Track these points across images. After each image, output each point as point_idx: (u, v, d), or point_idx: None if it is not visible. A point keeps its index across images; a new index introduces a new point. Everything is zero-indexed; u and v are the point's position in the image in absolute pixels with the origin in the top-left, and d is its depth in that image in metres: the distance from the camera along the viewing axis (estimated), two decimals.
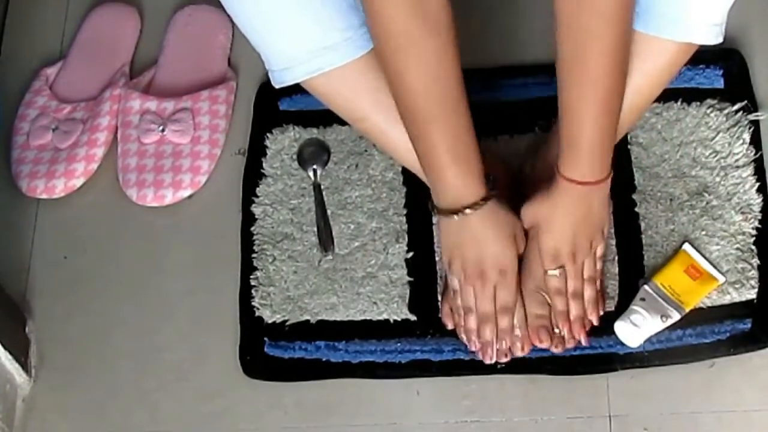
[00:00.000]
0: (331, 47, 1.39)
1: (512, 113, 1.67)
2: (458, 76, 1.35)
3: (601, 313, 1.52)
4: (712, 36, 1.39)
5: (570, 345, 1.51)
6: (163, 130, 1.71)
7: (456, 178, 1.42)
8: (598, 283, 1.52)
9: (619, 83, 1.35)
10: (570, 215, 1.44)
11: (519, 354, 1.51)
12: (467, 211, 1.43)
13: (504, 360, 1.51)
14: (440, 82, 1.34)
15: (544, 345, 1.51)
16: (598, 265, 1.51)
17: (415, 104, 1.36)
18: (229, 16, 1.37)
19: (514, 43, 1.72)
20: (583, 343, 1.50)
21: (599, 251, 1.50)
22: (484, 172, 1.44)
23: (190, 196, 1.69)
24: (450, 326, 1.55)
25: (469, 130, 1.41)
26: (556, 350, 1.51)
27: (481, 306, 1.50)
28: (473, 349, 1.52)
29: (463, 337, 1.53)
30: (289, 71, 1.42)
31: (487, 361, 1.51)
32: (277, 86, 1.45)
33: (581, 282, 1.50)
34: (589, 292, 1.50)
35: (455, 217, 1.44)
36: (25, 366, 1.57)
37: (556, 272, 1.48)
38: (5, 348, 1.51)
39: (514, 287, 1.50)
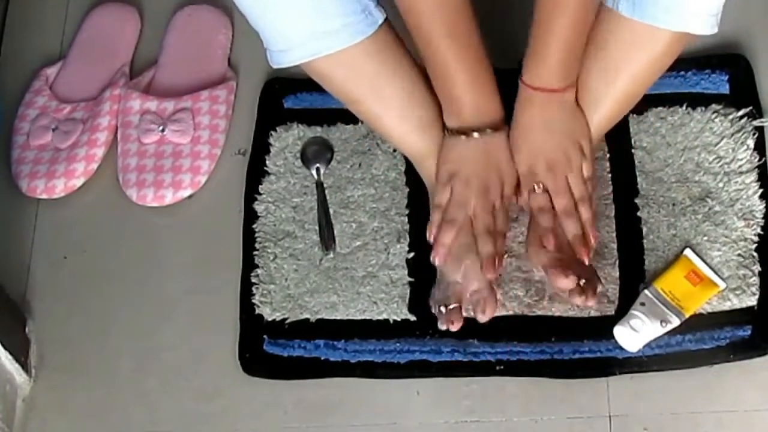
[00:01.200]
0: (331, 32, 1.40)
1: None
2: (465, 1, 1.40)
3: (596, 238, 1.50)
4: (708, 26, 1.40)
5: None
6: (163, 130, 1.71)
7: (473, 93, 1.45)
8: (592, 204, 1.50)
9: (591, 4, 1.38)
10: (535, 126, 1.46)
11: (480, 316, 1.49)
12: (488, 130, 1.46)
13: (455, 323, 1.49)
14: (449, 7, 1.38)
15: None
16: (589, 187, 1.50)
17: (425, 24, 1.39)
18: (229, 15, 1.38)
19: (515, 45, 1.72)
20: (585, 262, 1.48)
21: (585, 171, 1.49)
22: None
23: (190, 196, 1.69)
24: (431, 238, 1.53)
25: (480, 48, 1.44)
26: (588, 303, 1.48)
27: (476, 223, 1.49)
28: (436, 261, 1.50)
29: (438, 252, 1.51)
30: (288, 53, 1.43)
31: (434, 310, 1.50)
32: (274, 66, 1.45)
33: (570, 199, 1.48)
34: (585, 214, 1.49)
35: (475, 134, 1.47)
36: (25, 366, 1.56)
37: (538, 188, 1.48)
38: (5, 348, 1.51)
39: (507, 214, 1.52)
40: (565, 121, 1.47)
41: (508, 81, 1.70)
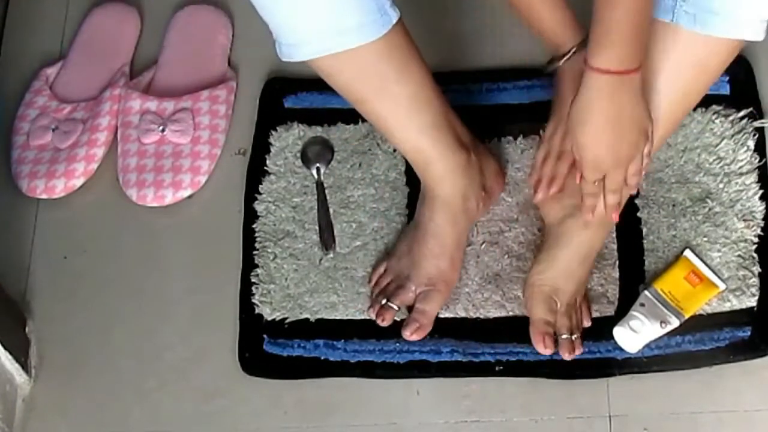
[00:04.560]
0: (345, 30, 1.37)
1: (520, 115, 1.68)
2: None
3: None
4: (761, 32, 1.37)
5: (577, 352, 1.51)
6: (163, 130, 1.71)
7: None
8: (640, 175, 1.44)
9: None
10: (604, 110, 1.36)
11: (407, 334, 1.53)
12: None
13: (386, 321, 1.54)
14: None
15: (547, 352, 1.51)
16: (645, 161, 1.43)
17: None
18: (229, 15, 1.37)
19: (516, 45, 1.72)
20: (615, 219, 1.47)
21: (645, 149, 1.42)
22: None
23: (190, 196, 1.69)
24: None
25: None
26: (568, 356, 1.51)
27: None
28: (539, 197, 1.53)
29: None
30: (298, 48, 1.40)
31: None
32: (283, 59, 1.42)
33: (621, 189, 1.43)
34: (634, 181, 1.44)
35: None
36: (25, 366, 1.56)
37: (598, 183, 1.43)
38: (5, 348, 1.51)
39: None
40: (634, 107, 1.38)
41: (514, 80, 1.71)
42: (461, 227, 1.55)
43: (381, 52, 1.40)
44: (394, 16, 1.40)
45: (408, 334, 1.53)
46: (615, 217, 1.46)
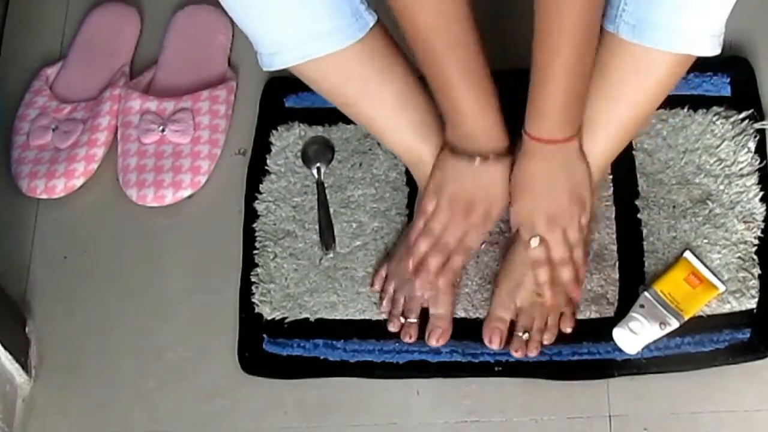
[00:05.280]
0: (319, 35, 1.38)
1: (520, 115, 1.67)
2: (467, 12, 1.36)
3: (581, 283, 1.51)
4: (709, 47, 1.37)
5: (535, 351, 1.51)
6: (163, 130, 1.71)
7: (476, 118, 1.41)
8: (582, 249, 1.49)
9: (591, 42, 1.33)
10: (538, 179, 1.42)
11: (432, 341, 1.53)
12: (491, 156, 1.44)
13: (413, 336, 1.53)
14: (450, 19, 1.34)
15: (494, 346, 1.51)
16: (584, 231, 1.48)
17: (428, 41, 1.36)
18: (229, 16, 1.37)
19: (517, 48, 1.72)
20: (577, 298, 1.50)
21: (584, 220, 1.47)
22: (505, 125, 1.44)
23: (190, 196, 1.69)
24: (377, 287, 1.57)
25: (484, 65, 1.39)
26: (517, 354, 1.51)
27: (447, 234, 1.48)
28: (410, 269, 1.51)
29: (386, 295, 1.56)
30: (278, 56, 1.41)
31: (391, 319, 1.54)
32: (264, 69, 1.44)
33: (566, 250, 1.47)
34: (577, 255, 1.47)
35: (477, 160, 1.44)
36: (25, 366, 1.56)
37: (536, 241, 1.46)
38: (5, 348, 1.51)
39: (482, 237, 1.51)
40: (569, 172, 1.43)
41: (507, 82, 1.71)
42: None
43: (360, 56, 1.41)
44: (370, 19, 1.41)
45: (434, 342, 1.53)
46: (577, 292, 1.50)
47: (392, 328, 1.55)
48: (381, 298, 1.57)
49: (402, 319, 1.55)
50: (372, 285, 1.58)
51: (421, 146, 1.50)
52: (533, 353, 1.51)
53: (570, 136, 1.40)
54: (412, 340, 1.54)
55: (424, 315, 1.55)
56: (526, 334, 1.51)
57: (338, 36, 1.39)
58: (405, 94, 1.47)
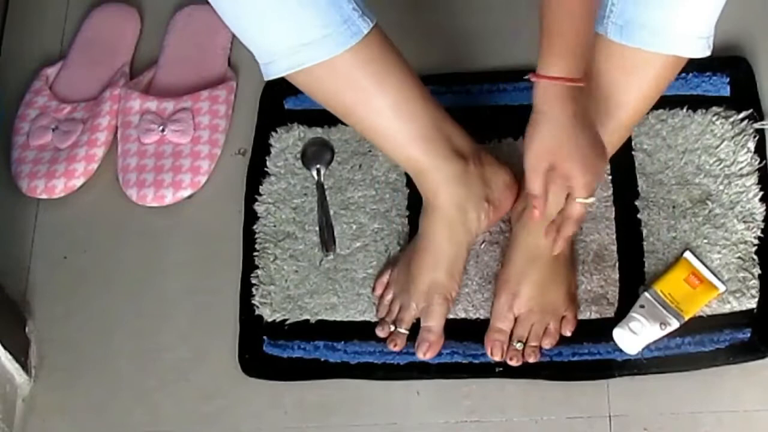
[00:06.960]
0: (311, 43, 1.37)
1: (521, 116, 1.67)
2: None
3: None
4: (698, 49, 1.36)
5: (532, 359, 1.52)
6: (163, 130, 1.71)
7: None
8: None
9: None
10: (559, 115, 1.33)
11: (420, 354, 1.53)
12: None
13: (398, 346, 1.54)
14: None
15: (496, 358, 1.52)
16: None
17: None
18: None
19: (519, 45, 1.72)
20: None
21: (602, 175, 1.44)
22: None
23: (190, 196, 1.69)
24: (378, 293, 1.58)
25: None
26: (512, 363, 1.51)
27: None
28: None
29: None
30: (273, 65, 1.41)
31: None
32: (265, 78, 1.44)
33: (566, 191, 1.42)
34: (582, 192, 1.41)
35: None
36: (25, 366, 1.56)
37: (589, 200, 1.40)
38: (5, 348, 1.51)
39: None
40: (585, 116, 1.35)
41: (514, 81, 1.70)
42: (459, 240, 1.53)
43: (354, 64, 1.39)
44: (364, 26, 1.38)
45: (422, 355, 1.53)
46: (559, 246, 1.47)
47: (380, 333, 1.55)
48: (379, 304, 1.57)
49: (392, 327, 1.55)
50: (374, 290, 1.58)
51: (423, 159, 1.48)
52: (531, 360, 1.51)
53: (579, 77, 1.31)
54: (398, 349, 1.54)
55: (417, 326, 1.55)
56: (520, 344, 1.51)
57: (328, 44, 1.37)
58: (403, 104, 1.45)
